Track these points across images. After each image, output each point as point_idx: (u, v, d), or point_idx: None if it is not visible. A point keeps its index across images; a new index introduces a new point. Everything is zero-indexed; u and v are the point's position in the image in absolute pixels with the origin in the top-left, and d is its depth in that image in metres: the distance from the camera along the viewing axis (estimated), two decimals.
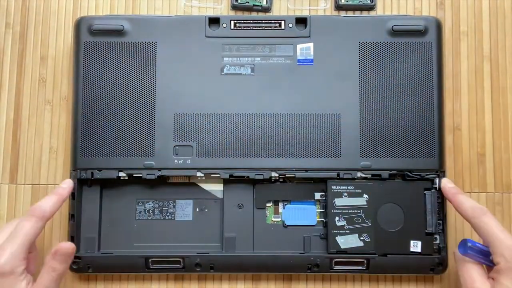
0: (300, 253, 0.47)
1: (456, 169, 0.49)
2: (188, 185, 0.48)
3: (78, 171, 0.47)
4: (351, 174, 0.47)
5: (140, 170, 0.47)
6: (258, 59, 0.48)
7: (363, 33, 0.48)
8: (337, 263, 0.46)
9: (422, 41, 0.48)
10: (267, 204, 0.48)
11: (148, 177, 0.47)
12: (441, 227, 0.46)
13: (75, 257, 0.46)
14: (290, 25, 0.48)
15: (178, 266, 0.46)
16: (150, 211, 0.48)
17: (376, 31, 0.48)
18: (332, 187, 0.47)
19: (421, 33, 0.48)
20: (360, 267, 0.46)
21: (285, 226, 0.47)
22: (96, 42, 0.48)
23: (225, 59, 0.48)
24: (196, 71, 0.48)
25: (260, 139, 0.47)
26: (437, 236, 0.46)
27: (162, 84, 0.48)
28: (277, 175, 0.47)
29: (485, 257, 0.41)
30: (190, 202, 0.48)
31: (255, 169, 0.47)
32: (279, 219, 0.47)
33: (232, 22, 0.49)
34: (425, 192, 0.47)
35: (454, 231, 0.49)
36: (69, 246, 0.42)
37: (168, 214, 0.48)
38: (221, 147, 0.47)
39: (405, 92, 0.47)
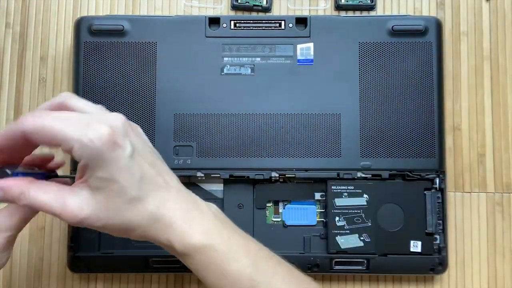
0: (300, 253, 0.47)
1: (456, 169, 0.49)
2: (188, 185, 0.48)
3: None
4: (351, 174, 0.47)
5: None
6: (258, 59, 0.48)
7: (363, 33, 0.48)
8: (337, 263, 0.46)
9: (422, 41, 0.48)
10: (267, 204, 0.48)
11: None
12: (441, 227, 0.46)
13: (75, 257, 0.46)
14: (290, 25, 0.48)
15: (178, 266, 0.46)
16: None
17: (376, 31, 0.48)
18: (332, 187, 0.47)
19: (421, 33, 0.48)
20: (360, 267, 0.46)
21: (285, 226, 0.47)
22: (96, 42, 0.48)
23: (225, 59, 0.48)
24: (196, 71, 0.48)
25: (260, 139, 0.47)
26: (437, 236, 0.46)
27: (162, 84, 0.48)
28: (277, 175, 0.47)
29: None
30: None
31: (255, 169, 0.47)
32: (279, 219, 0.47)
33: (232, 22, 0.49)
34: (425, 192, 0.47)
35: (454, 231, 0.49)
36: None
37: None
38: (221, 147, 0.47)
39: (405, 92, 0.47)
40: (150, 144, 0.37)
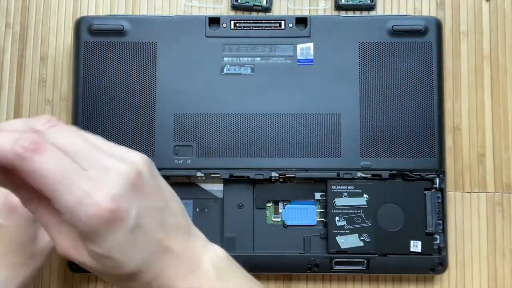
0: (300, 253, 0.47)
1: (456, 169, 0.49)
2: (188, 185, 0.48)
3: None
4: (351, 174, 0.47)
5: None
6: (258, 59, 0.48)
7: (363, 33, 0.48)
8: (337, 263, 0.46)
9: (422, 41, 0.48)
10: (267, 204, 0.48)
11: None
12: (441, 227, 0.46)
13: None
14: (290, 25, 0.48)
15: None
16: None
17: (376, 31, 0.48)
18: (332, 187, 0.47)
19: (421, 33, 0.48)
20: (360, 267, 0.46)
21: (285, 226, 0.47)
22: (96, 42, 0.48)
23: (225, 59, 0.48)
24: (196, 71, 0.48)
25: (260, 139, 0.47)
26: (437, 236, 0.46)
27: (162, 84, 0.48)
28: (277, 175, 0.47)
29: None
30: (190, 202, 0.48)
31: (255, 169, 0.47)
32: (279, 219, 0.47)
33: (232, 22, 0.48)
34: (425, 192, 0.47)
35: (454, 231, 0.49)
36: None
37: None
38: (221, 147, 0.47)
39: (405, 92, 0.47)
40: (164, 188, 0.31)
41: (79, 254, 0.28)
